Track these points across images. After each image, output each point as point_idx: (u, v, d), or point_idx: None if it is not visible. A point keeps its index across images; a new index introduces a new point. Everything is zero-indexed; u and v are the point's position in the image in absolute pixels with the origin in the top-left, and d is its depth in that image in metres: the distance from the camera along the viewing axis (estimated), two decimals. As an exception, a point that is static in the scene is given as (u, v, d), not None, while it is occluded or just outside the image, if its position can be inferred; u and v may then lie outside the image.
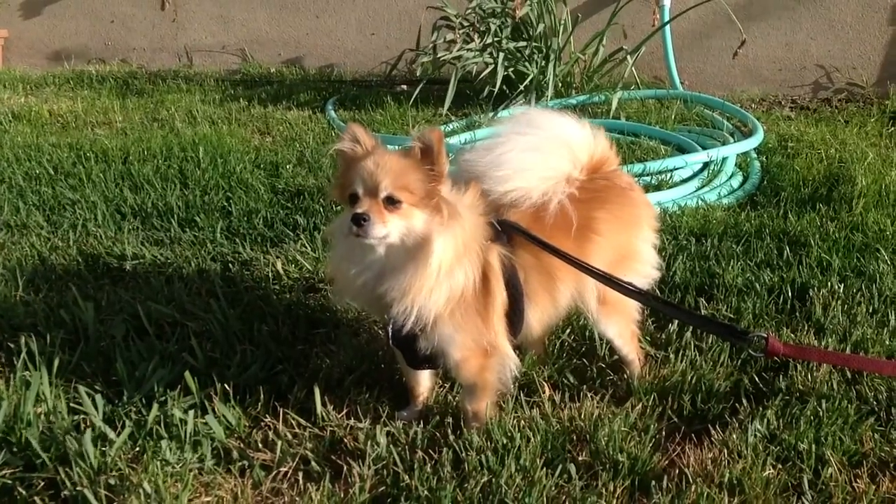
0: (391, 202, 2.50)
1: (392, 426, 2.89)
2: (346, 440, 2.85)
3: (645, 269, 3.10)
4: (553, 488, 2.56)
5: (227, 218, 4.88)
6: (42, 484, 2.66)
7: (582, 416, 2.90)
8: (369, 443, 2.78)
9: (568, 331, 3.48)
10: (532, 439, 2.77)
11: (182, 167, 5.76)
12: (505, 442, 2.76)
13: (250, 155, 6.14)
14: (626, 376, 3.18)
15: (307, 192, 5.25)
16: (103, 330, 3.55)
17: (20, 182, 5.50)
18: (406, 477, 2.62)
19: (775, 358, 3.08)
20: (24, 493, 2.62)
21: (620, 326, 3.11)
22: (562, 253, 2.72)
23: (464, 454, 2.71)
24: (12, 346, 3.40)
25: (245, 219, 4.85)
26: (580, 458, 2.72)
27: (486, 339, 2.72)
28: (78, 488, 2.56)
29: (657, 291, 3.71)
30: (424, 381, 3.09)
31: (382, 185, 2.49)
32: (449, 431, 2.84)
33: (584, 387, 3.12)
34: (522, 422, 2.88)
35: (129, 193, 5.23)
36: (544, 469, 2.63)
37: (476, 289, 2.64)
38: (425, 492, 2.55)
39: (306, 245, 4.44)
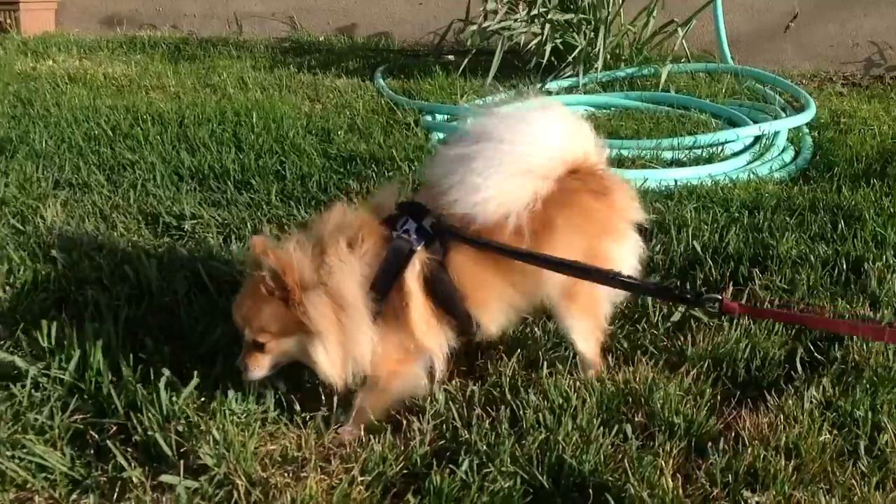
0: (257, 346, 2.69)
1: (449, 385, 2.95)
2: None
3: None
4: (610, 447, 2.61)
5: (281, 181, 4.95)
6: (113, 429, 2.76)
7: (637, 380, 2.94)
8: (428, 399, 2.85)
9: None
10: (588, 400, 2.82)
11: (236, 131, 5.85)
12: (561, 402, 2.82)
13: (302, 121, 6.21)
14: (678, 343, 3.21)
15: (359, 158, 5.31)
16: (166, 285, 3.64)
17: (80, 142, 5.61)
18: (465, 432, 2.69)
19: (730, 315, 3.18)
20: (95, 437, 2.73)
21: (585, 328, 2.98)
22: (495, 245, 2.71)
23: (521, 412, 2.77)
24: (80, 298, 3.51)
25: (299, 182, 4.92)
26: (636, 420, 2.76)
27: (408, 342, 2.78)
28: (149, 433, 2.66)
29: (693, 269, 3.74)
30: None
31: (246, 334, 2.70)
32: (506, 390, 2.90)
33: (638, 352, 3.16)
34: (578, 383, 2.93)
35: (186, 155, 5.32)
36: (601, 429, 2.68)
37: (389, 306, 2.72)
38: (484, 446, 2.62)
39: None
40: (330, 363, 2.64)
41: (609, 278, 2.77)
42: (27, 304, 3.49)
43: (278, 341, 2.67)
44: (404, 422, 2.78)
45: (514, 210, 2.69)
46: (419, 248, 2.69)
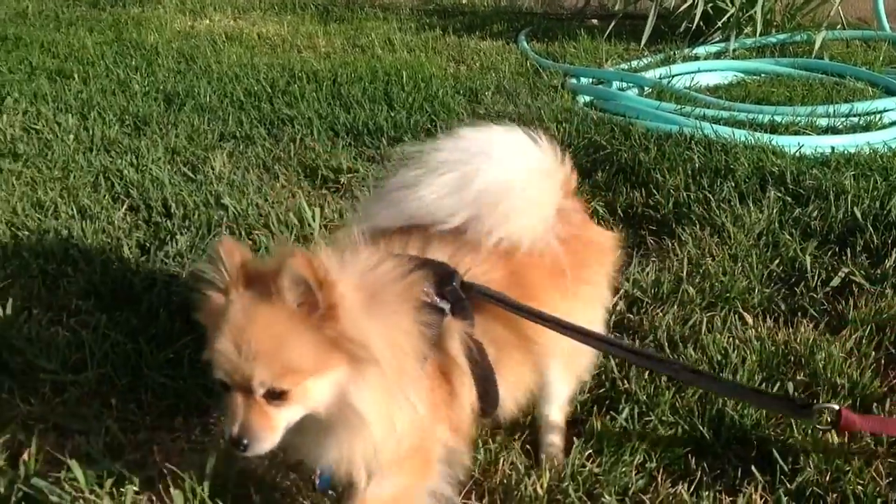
0: (274, 396, 1.80)
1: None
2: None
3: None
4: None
5: (432, 139, 5.06)
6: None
7: (797, 341, 2.94)
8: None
9: (777, 261, 3.50)
10: (748, 358, 2.84)
11: (387, 90, 6.00)
12: (720, 358, 2.85)
13: (449, 81, 6.33)
14: (838, 307, 3.18)
15: (507, 118, 5.38)
16: (327, 234, 3.82)
17: (241, 97, 5.88)
18: (624, 382, 2.76)
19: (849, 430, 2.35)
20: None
21: (570, 394, 2.62)
22: (560, 324, 2.12)
23: (679, 366, 2.82)
24: (251, 242, 3.72)
25: (450, 140, 5.02)
26: (797, 378, 2.77)
27: (441, 431, 2.08)
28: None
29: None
30: None
31: (256, 380, 1.78)
32: (666, 346, 2.95)
33: (798, 314, 3.15)
34: (737, 341, 2.95)
35: (341, 112, 5.51)
36: (761, 385, 2.71)
37: (436, 388, 2.02)
38: (643, 396, 2.68)
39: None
40: (380, 414, 1.85)
41: (693, 372, 2.40)
42: (203, 246, 3.72)
43: (308, 384, 1.80)
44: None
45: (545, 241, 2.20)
46: (448, 316, 2.02)
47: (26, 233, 3.85)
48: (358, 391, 1.81)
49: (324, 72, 6.50)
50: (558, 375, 2.45)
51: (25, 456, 2.49)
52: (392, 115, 5.47)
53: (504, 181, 2.15)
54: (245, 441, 1.81)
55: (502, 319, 2.09)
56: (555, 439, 2.56)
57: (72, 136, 5.09)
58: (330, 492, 1.95)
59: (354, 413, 1.82)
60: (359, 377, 1.80)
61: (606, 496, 2.29)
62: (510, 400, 2.23)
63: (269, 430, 1.82)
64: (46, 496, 2.32)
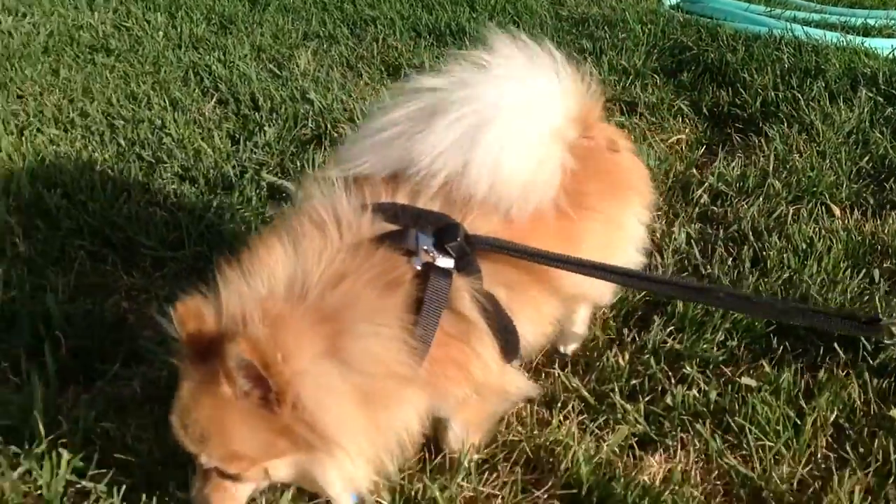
0: (226, 476, 1.72)
1: (689, 227, 3.03)
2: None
3: (632, 254, 2.32)
4: (856, 288, 2.64)
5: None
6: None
7: (885, 232, 2.93)
8: (668, 237, 2.96)
9: (867, 158, 3.45)
10: (834, 246, 2.83)
11: (469, -8, 5.98)
12: (805, 247, 2.85)
13: (533, -17, 6.26)
14: None
15: (591, 20, 5.32)
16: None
17: (324, -1, 5.93)
18: (707, 268, 2.78)
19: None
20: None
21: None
22: (560, 260, 1.93)
23: (763, 253, 2.83)
24: (335, 135, 3.80)
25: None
26: (884, 266, 2.76)
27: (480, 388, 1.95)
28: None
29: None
30: None
31: (202, 459, 1.70)
32: (749, 233, 2.95)
33: (887, 206, 3.12)
34: (823, 231, 2.94)
35: (423, 13, 5.51)
36: (847, 272, 2.71)
37: (447, 359, 1.85)
38: (727, 280, 2.70)
39: (592, 68, 4.54)
40: (351, 479, 1.71)
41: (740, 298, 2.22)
42: (290, 137, 3.81)
43: (263, 467, 1.70)
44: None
45: (550, 188, 1.99)
46: (454, 275, 1.84)
47: (121, 122, 3.98)
48: (323, 472, 1.68)
49: (406, -27, 6.48)
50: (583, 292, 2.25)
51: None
52: (474, 16, 5.45)
53: (510, 140, 1.93)
54: None
55: (511, 261, 1.92)
56: (580, 331, 2.51)
57: (161, 34, 5.20)
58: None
59: (325, 481, 1.70)
60: (321, 458, 1.66)
61: (688, 367, 2.34)
62: (535, 336, 2.07)
63: (231, 500, 1.74)
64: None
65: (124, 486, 2.01)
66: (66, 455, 2.07)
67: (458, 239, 1.83)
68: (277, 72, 4.62)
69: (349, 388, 1.63)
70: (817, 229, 2.94)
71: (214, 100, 4.26)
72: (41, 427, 2.11)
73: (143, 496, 1.99)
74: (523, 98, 1.98)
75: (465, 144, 1.87)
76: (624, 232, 2.24)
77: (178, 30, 5.26)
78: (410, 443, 1.79)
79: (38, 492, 2.05)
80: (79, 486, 2.06)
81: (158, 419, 2.18)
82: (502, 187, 1.90)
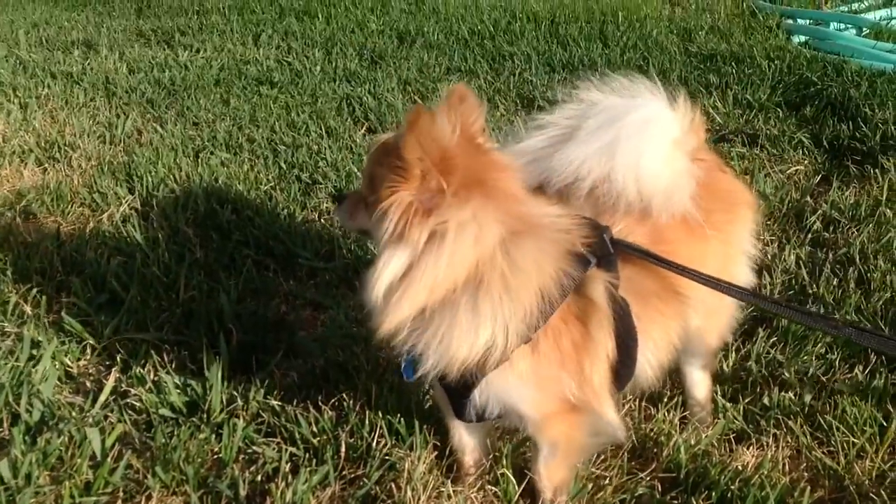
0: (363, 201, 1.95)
1: (799, 251, 3.25)
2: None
3: (747, 273, 2.38)
4: (955, 309, 2.82)
5: (643, 74, 5.31)
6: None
7: None
8: (777, 258, 3.18)
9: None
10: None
11: (602, 29, 6.31)
12: (910, 270, 3.04)
13: (664, 22, 6.53)
14: None
15: (719, 55, 5.55)
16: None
17: (465, 36, 6.37)
18: (813, 287, 3.00)
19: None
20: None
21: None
22: (712, 281, 1.98)
23: (868, 275, 3.03)
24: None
25: (660, 76, 5.24)
26: None
27: (578, 396, 2.00)
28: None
29: None
30: (471, 445, 2.34)
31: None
32: (857, 256, 3.15)
33: None
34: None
35: (558, 49, 5.87)
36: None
37: (564, 332, 1.93)
38: (831, 298, 2.92)
39: (718, 102, 4.78)
40: (381, 277, 1.80)
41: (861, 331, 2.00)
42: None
43: (362, 207, 1.94)
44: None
45: (686, 193, 2.11)
46: (593, 265, 1.94)
47: (283, 147, 4.47)
48: (384, 248, 1.79)
49: (543, 12, 6.87)
50: (702, 328, 2.32)
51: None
52: (606, 52, 5.77)
53: (642, 149, 2.07)
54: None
55: (646, 273, 2.02)
56: (700, 396, 2.53)
57: (318, 68, 5.74)
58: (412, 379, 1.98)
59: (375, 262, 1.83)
60: (392, 239, 1.77)
61: (787, 374, 2.57)
62: (652, 361, 2.12)
63: (347, 211, 2.03)
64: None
65: (288, 452, 2.40)
66: (241, 423, 2.47)
67: (605, 237, 1.97)
68: (422, 102, 5.04)
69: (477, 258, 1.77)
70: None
71: (365, 128, 4.71)
72: (222, 400, 2.53)
73: (304, 460, 2.38)
74: (645, 113, 2.12)
75: (607, 152, 2.03)
76: (741, 249, 2.34)
77: (333, 64, 5.79)
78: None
79: (216, 455, 2.45)
80: (249, 451, 2.45)
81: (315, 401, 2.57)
82: (646, 189, 2.05)
